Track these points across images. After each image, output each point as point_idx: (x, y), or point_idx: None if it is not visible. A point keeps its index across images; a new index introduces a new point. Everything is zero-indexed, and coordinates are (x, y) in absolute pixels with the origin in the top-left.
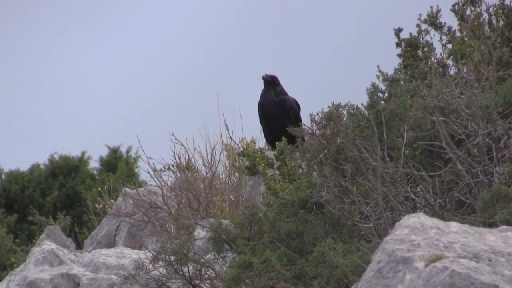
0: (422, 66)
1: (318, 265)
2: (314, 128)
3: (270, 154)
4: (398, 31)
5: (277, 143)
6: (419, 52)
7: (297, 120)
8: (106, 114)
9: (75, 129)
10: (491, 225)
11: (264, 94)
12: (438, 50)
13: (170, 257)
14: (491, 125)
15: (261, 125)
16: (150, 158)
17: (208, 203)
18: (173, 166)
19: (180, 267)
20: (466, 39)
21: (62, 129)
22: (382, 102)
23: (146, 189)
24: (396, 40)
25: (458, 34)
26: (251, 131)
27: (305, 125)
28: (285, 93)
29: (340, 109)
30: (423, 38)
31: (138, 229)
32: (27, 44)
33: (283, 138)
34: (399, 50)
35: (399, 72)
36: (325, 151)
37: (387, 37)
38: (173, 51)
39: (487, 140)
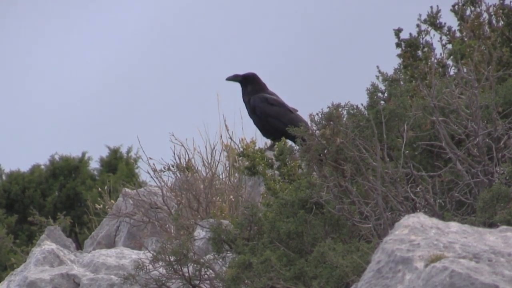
0: (422, 66)
1: (318, 265)
2: (314, 128)
3: (270, 154)
4: (398, 31)
5: (277, 143)
6: (419, 52)
7: (266, 116)
8: (106, 115)
9: (76, 129)
10: (491, 225)
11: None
12: (438, 50)
13: (170, 257)
14: (491, 125)
15: None
16: (150, 158)
17: (208, 203)
18: (173, 166)
19: (180, 267)
20: (466, 39)
21: (62, 129)
22: (382, 102)
23: (146, 189)
24: (396, 40)
25: (458, 34)
26: (251, 131)
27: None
28: (257, 91)
29: (340, 109)
30: (423, 39)
31: (138, 230)
32: (28, 44)
33: (283, 138)
34: (399, 50)
35: (399, 72)
36: (325, 151)
37: (387, 37)
38: (173, 51)
39: (487, 140)
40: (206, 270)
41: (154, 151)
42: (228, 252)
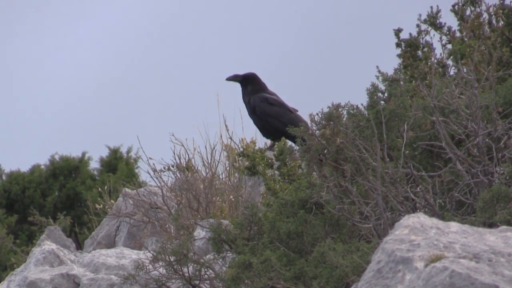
0: (422, 66)
1: (318, 265)
2: (314, 128)
3: (270, 154)
4: (398, 31)
5: (277, 143)
6: (419, 52)
7: (266, 116)
8: (106, 115)
9: (76, 129)
10: (491, 225)
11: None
12: (438, 50)
13: (170, 257)
14: (491, 125)
15: None
16: (150, 158)
17: (208, 203)
18: (173, 166)
19: (180, 267)
20: (466, 39)
21: (62, 129)
22: (382, 102)
23: (146, 189)
24: (396, 40)
25: (458, 34)
26: (251, 131)
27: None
28: (257, 91)
29: (340, 109)
30: (423, 39)
31: (138, 230)
32: (27, 44)
33: (283, 138)
34: (399, 50)
35: (399, 72)
36: (325, 151)
37: (387, 37)
38: (172, 51)
39: (487, 140)
40: (206, 270)
41: (154, 151)
42: (228, 252)
